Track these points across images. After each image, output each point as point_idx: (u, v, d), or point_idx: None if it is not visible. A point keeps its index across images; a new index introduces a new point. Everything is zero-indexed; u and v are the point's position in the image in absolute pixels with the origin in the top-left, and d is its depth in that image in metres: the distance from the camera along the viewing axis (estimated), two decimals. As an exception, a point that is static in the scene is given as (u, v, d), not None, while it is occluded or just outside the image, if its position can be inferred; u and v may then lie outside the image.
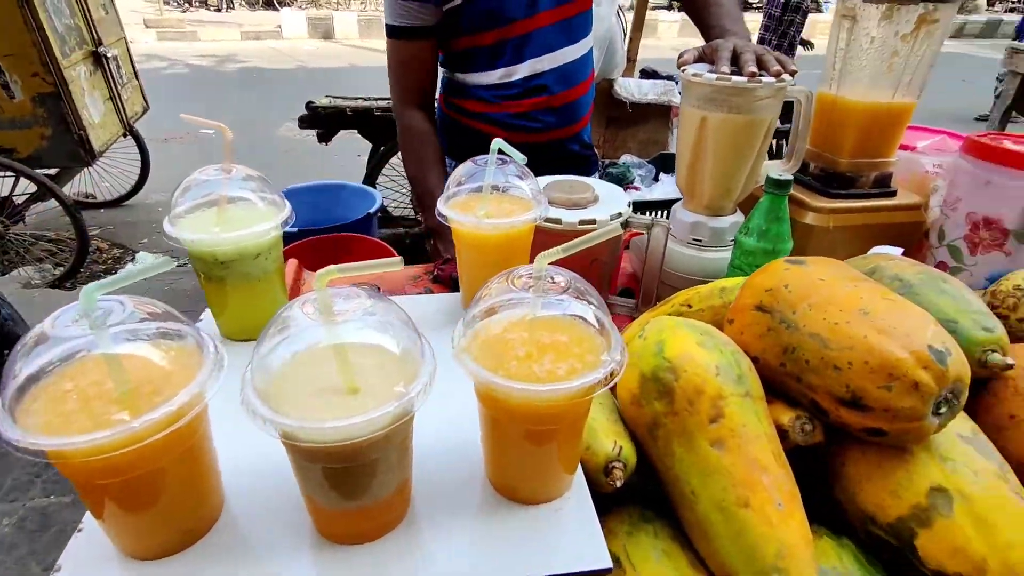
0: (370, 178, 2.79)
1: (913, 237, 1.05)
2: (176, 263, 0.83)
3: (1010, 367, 0.47)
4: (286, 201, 0.63)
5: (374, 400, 0.37)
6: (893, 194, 1.03)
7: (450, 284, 1.09)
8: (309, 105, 2.63)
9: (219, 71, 8.16)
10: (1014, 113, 3.89)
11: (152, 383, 0.38)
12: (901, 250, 0.89)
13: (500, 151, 0.64)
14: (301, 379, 0.39)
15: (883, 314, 0.42)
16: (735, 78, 0.83)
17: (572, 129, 1.30)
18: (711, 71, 0.86)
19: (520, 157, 0.65)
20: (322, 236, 2.07)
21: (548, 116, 1.25)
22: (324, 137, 2.70)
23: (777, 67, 0.83)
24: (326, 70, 8.33)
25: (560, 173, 1.32)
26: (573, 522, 0.45)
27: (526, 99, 1.22)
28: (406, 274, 1.15)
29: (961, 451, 0.43)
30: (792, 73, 0.84)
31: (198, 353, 0.41)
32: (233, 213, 0.60)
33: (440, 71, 1.32)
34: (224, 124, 0.60)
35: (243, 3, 12.32)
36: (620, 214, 0.74)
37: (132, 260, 3.23)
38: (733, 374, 0.44)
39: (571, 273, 0.44)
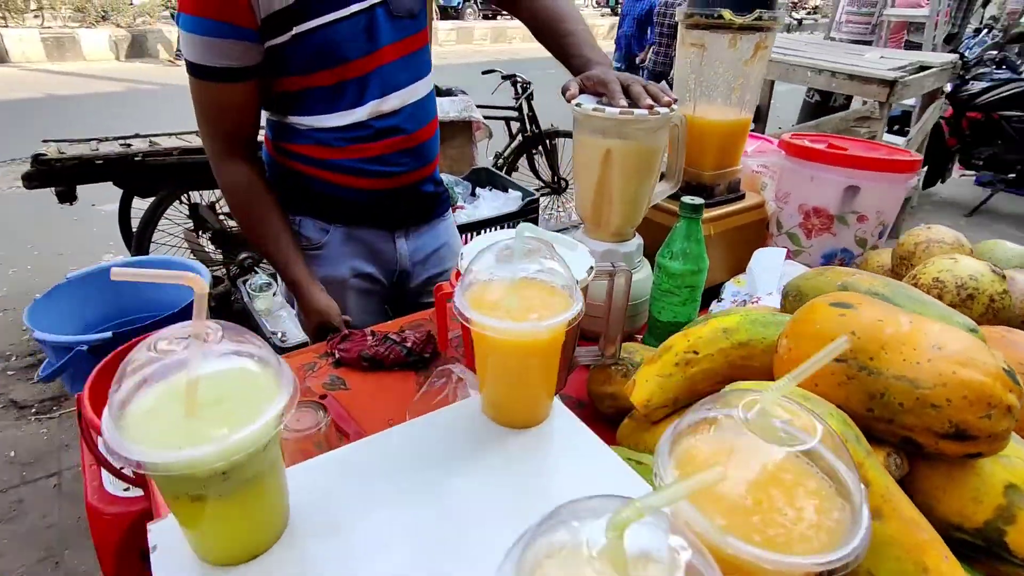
0: (141, 242, 2.28)
1: (761, 230, 1.21)
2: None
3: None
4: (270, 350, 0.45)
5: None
6: (743, 196, 1.18)
7: (359, 364, 0.94)
8: (38, 157, 2.02)
9: None
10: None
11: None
12: (784, 250, 1.02)
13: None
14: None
15: (949, 344, 0.46)
16: (636, 111, 0.85)
17: (428, 169, 1.22)
18: (601, 103, 0.88)
19: (555, 237, 0.56)
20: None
21: (404, 157, 1.15)
22: (66, 196, 2.12)
23: (668, 98, 0.87)
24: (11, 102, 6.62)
25: (417, 217, 1.24)
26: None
27: (379, 141, 1.10)
28: (299, 363, 0.96)
29: (1010, 448, 0.49)
30: (675, 101, 0.89)
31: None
32: (214, 393, 0.41)
33: (264, 113, 1.13)
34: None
35: None
36: (590, 269, 0.70)
37: None
38: (853, 435, 0.44)
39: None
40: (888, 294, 0.62)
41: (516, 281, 0.52)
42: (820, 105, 4.76)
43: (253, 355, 0.43)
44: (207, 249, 2.48)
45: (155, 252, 2.39)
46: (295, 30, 0.96)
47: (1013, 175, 4.31)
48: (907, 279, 0.74)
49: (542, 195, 3.65)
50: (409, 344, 0.96)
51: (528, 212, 2.09)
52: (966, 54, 4.37)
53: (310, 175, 1.14)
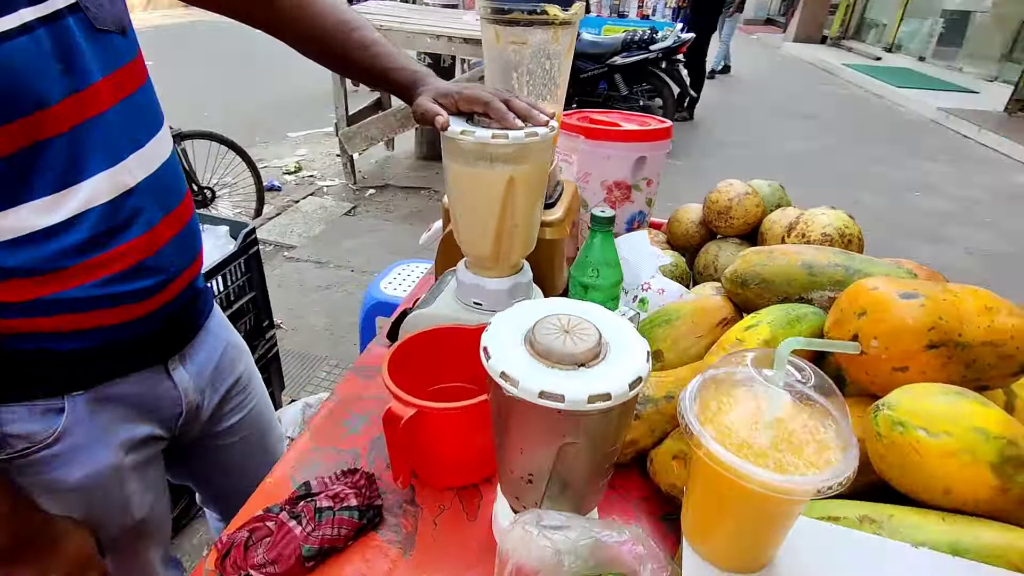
0: None
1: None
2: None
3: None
4: None
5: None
6: (563, 188, 1.19)
7: (298, 570, 0.63)
8: None
9: None
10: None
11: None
12: (645, 231, 1.08)
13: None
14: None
15: (984, 301, 0.57)
16: (539, 130, 0.75)
17: (197, 264, 0.85)
18: (481, 125, 0.75)
19: (846, 347, 0.43)
20: None
21: (164, 259, 0.76)
22: None
23: (550, 110, 0.79)
24: None
25: (192, 328, 0.87)
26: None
27: (118, 244, 0.70)
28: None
29: None
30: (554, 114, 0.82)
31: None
32: None
33: None
34: None
35: None
36: (639, 379, 0.50)
37: None
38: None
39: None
40: (846, 262, 0.72)
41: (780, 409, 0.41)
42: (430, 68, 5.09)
43: None
44: None
45: None
46: None
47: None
48: (795, 237, 0.88)
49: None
50: (354, 502, 0.69)
51: (250, 248, 1.66)
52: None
53: (7, 335, 0.66)
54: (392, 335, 1.03)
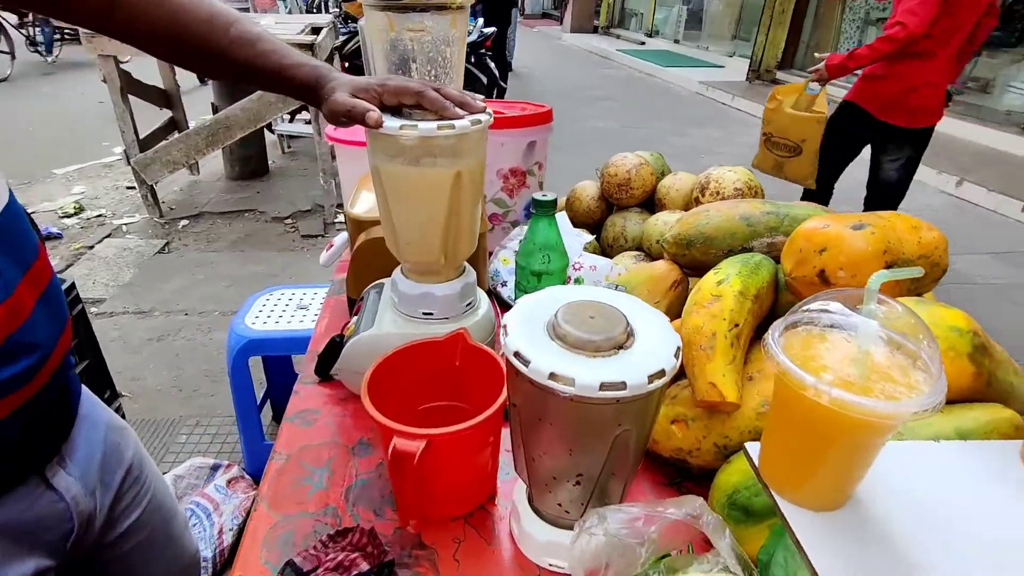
0: None
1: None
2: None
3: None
4: None
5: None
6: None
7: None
8: None
9: None
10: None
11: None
12: (564, 212, 1.07)
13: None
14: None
15: (912, 221, 0.67)
16: (481, 116, 0.70)
17: (66, 337, 0.66)
18: (415, 118, 0.68)
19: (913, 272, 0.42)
20: None
21: (39, 329, 0.59)
22: None
23: (478, 96, 0.74)
24: None
25: (68, 418, 0.69)
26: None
27: None
28: None
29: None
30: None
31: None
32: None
33: None
34: None
35: None
36: (663, 372, 0.49)
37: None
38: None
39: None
40: (774, 210, 0.80)
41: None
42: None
43: None
44: None
45: None
46: None
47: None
48: (710, 196, 0.94)
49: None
50: (366, 566, 0.59)
51: (74, 307, 1.32)
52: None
53: None
54: (322, 370, 0.91)
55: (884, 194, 2.67)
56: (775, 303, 0.75)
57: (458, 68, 0.93)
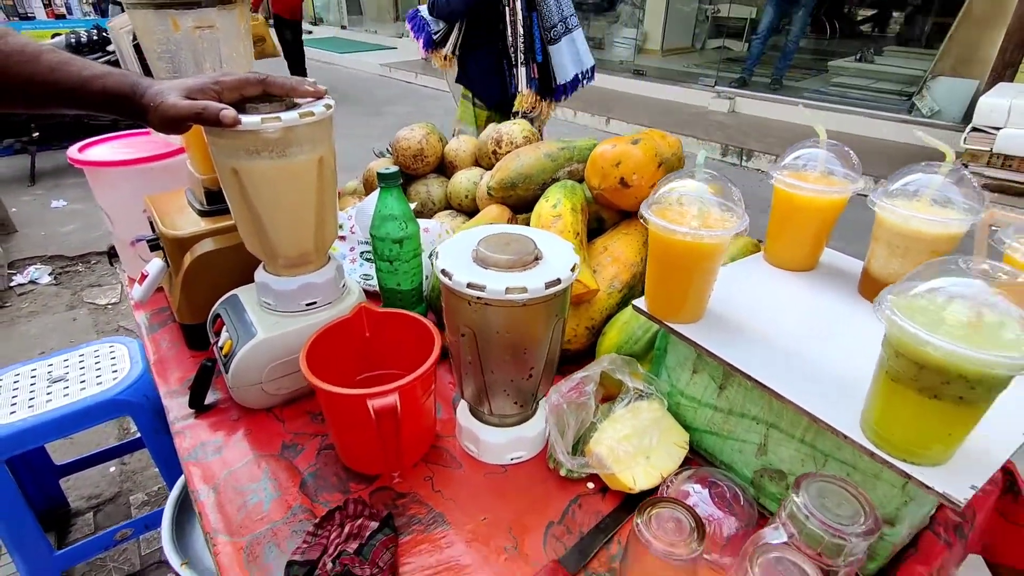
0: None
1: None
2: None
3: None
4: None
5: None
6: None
7: None
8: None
9: None
10: None
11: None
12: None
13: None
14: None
15: (657, 133, 0.95)
16: (327, 100, 0.74)
17: None
18: (263, 110, 0.70)
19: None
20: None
21: None
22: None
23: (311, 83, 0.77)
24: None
25: None
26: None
27: None
28: None
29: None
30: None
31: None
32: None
33: None
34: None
35: None
36: (558, 280, 0.62)
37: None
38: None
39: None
40: (564, 145, 1.01)
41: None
42: None
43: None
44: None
45: None
46: None
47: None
48: (506, 146, 1.11)
49: None
50: (375, 524, 0.63)
51: None
52: None
53: None
54: (197, 401, 0.84)
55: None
56: (591, 211, 0.97)
57: (248, 65, 0.91)
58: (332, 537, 0.63)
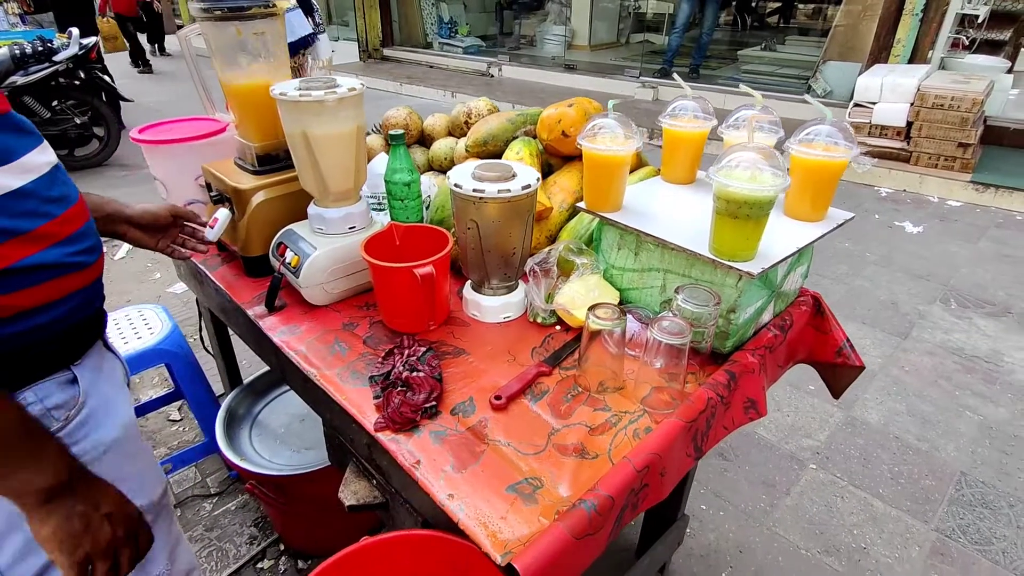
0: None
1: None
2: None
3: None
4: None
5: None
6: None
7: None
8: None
9: None
10: None
11: None
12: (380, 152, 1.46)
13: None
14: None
15: (583, 100, 1.34)
16: (338, 89, 1.08)
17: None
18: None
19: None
20: None
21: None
22: None
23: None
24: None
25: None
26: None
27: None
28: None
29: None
30: None
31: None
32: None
33: None
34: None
35: None
36: (529, 185, 1.00)
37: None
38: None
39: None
40: (521, 113, 1.38)
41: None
42: None
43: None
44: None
45: None
46: None
47: None
48: (475, 117, 1.47)
49: None
50: (420, 352, 0.98)
51: None
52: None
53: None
54: (270, 303, 1.16)
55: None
56: (541, 161, 1.35)
57: (282, 54, 1.24)
58: (395, 360, 0.97)
